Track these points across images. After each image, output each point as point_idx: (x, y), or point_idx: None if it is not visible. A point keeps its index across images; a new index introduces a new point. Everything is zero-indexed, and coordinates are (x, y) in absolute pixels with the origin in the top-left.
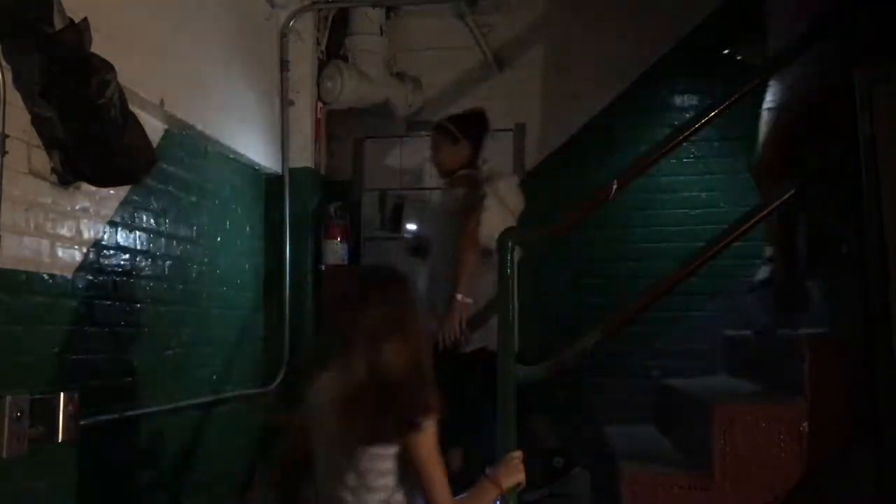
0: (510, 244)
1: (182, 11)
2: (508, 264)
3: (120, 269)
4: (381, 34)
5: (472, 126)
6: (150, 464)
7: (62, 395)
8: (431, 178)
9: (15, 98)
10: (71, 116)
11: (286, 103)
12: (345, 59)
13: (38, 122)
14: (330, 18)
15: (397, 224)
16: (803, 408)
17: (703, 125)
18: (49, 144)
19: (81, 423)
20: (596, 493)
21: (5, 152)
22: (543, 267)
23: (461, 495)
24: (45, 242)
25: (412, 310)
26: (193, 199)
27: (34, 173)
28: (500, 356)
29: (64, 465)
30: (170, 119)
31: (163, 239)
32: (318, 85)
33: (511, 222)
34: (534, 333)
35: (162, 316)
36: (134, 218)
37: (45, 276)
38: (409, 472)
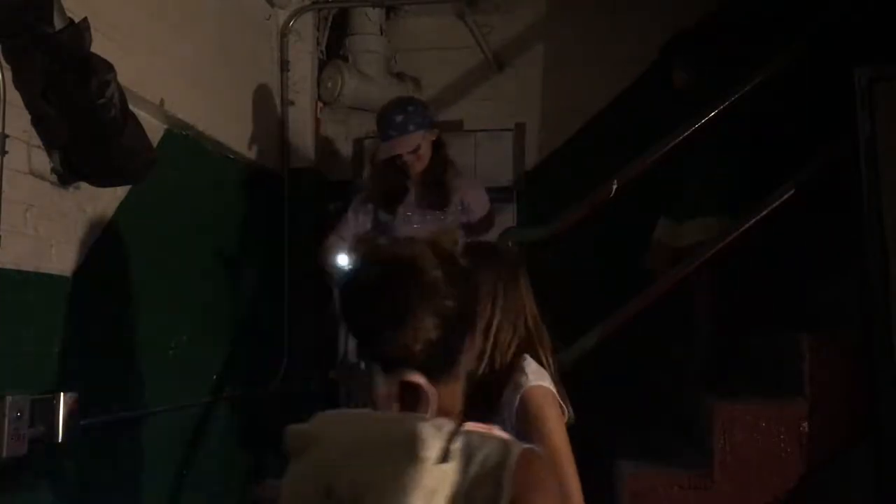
0: (510, 244)
1: (182, 11)
2: None
3: (120, 269)
4: (381, 34)
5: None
6: (151, 464)
7: (62, 395)
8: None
9: (15, 98)
10: (71, 116)
11: (286, 103)
12: (345, 59)
13: (38, 122)
14: (330, 18)
15: None
16: (803, 408)
17: (702, 125)
18: (49, 144)
19: (81, 423)
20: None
21: (5, 152)
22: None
23: None
24: (45, 242)
25: None
26: (193, 199)
27: (34, 173)
28: None
29: (64, 466)
30: (170, 119)
31: (162, 239)
32: (318, 85)
33: None
34: None
35: (162, 316)
36: (134, 218)
37: (45, 276)
38: None
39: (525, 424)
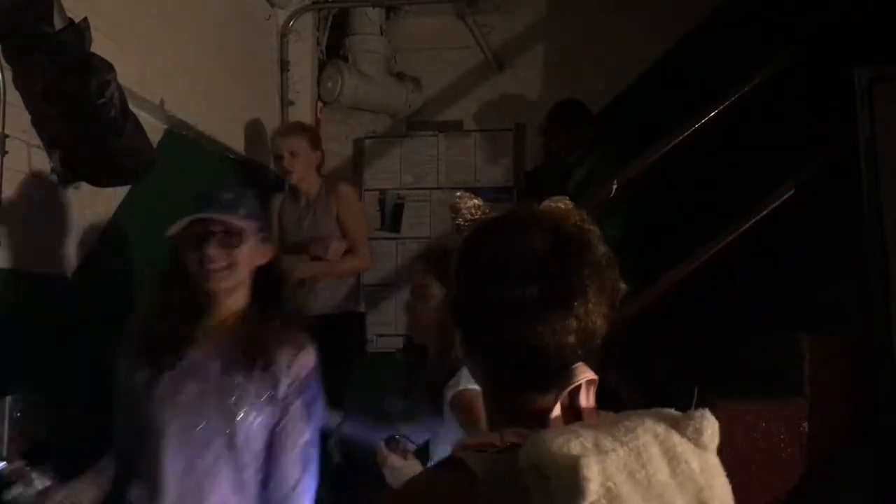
0: None
1: (182, 11)
2: None
3: (120, 269)
4: (381, 34)
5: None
6: None
7: (61, 395)
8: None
9: (15, 98)
10: (71, 116)
11: (286, 103)
12: (345, 59)
13: (38, 122)
14: (330, 18)
15: (397, 224)
16: (803, 408)
17: (701, 125)
18: (49, 144)
19: (82, 423)
20: None
21: (5, 152)
22: None
23: None
24: (45, 242)
25: None
26: (193, 199)
27: (34, 173)
28: None
29: (64, 465)
30: (170, 119)
31: (162, 239)
32: (318, 85)
33: None
34: None
35: None
36: (134, 218)
37: (45, 276)
38: None
39: None
